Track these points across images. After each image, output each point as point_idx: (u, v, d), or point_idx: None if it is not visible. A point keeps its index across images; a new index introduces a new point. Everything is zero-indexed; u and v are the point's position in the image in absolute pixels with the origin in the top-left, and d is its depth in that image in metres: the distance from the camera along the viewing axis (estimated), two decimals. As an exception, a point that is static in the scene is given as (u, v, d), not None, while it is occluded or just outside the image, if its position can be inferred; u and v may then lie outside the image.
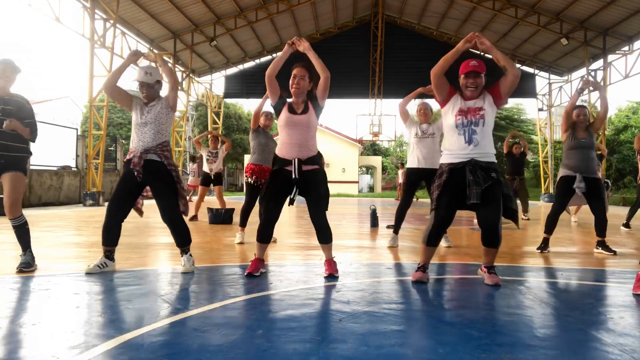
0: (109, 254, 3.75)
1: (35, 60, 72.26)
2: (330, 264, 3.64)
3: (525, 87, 21.79)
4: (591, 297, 3.20)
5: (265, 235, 3.63)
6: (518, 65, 22.03)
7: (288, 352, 2.02)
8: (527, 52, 20.77)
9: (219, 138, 9.01)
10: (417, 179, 5.27)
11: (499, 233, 3.37)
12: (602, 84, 17.90)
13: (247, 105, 38.30)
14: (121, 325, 2.36)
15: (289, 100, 3.66)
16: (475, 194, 3.24)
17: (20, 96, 3.76)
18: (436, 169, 5.20)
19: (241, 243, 5.46)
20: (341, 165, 32.24)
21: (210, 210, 8.16)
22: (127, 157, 3.73)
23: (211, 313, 2.61)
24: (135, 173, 3.60)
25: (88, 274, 3.57)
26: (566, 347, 2.17)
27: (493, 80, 3.52)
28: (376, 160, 37.85)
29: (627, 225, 7.80)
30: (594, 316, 2.68)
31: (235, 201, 13.72)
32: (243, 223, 5.64)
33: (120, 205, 3.70)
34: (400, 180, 24.52)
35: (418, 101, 5.54)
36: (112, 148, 18.82)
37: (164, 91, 3.87)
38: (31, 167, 12.09)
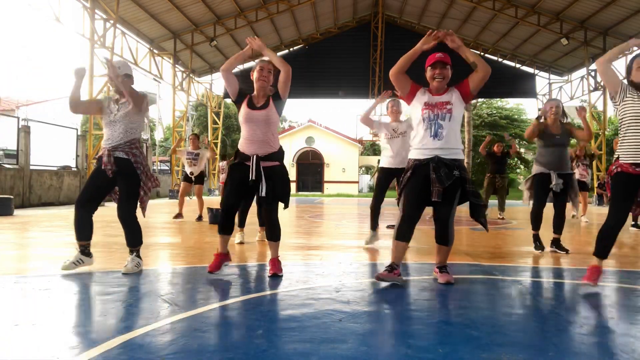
0: (85, 249, 3.72)
1: (35, 60, 72.23)
2: (275, 263, 3.62)
3: (525, 87, 21.81)
4: (591, 297, 3.20)
5: (225, 227, 3.61)
6: (518, 65, 22.06)
7: (288, 352, 2.02)
8: (527, 52, 20.78)
9: (199, 137, 8.98)
10: (389, 178, 5.29)
11: (450, 231, 3.42)
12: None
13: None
14: (121, 325, 2.35)
15: (250, 94, 3.64)
16: (437, 192, 3.27)
17: None
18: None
19: (241, 243, 5.46)
20: (341, 165, 32.28)
21: (210, 210, 8.16)
22: (100, 153, 3.72)
23: (211, 313, 2.61)
24: (109, 172, 3.59)
25: (64, 270, 3.55)
26: (566, 347, 2.17)
27: (459, 75, 3.54)
28: (376, 160, 37.84)
29: (636, 225, 7.75)
30: (594, 316, 2.68)
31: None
32: (241, 223, 5.64)
33: (89, 200, 3.67)
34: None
35: (389, 100, 5.58)
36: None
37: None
38: (31, 167, 12.09)
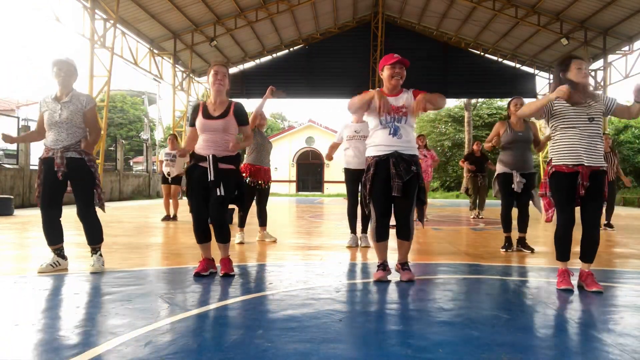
0: (59, 252, 3.74)
1: (35, 60, 72.25)
2: (226, 263, 3.61)
3: (525, 87, 21.79)
4: (591, 297, 3.20)
5: (201, 236, 3.61)
6: (518, 65, 22.06)
7: (288, 352, 2.02)
8: (527, 52, 20.78)
9: (178, 139, 8.99)
10: (356, 178, 5.25)
11: (411, 225, 3.47)
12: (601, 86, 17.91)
13: (247, 105, 38.30)
14: (121, 325, 2.35)
15: (202, 103, 3.64)
16: (397, 187, 3.34)
17: None
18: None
19: (241, 243, 5.46)
20: (341, 165, 32.18)
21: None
22: (43, 155, 3.65)
23: (211, 313, 2.61)
24: (59, 174, 3.56)
25: (41, 272, 3.56)
26: (566, 347, 2.17)
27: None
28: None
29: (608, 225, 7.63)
30: (594, 316, 2.68)
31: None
32: (241, 223, 5.64)
33: (51, 204, 3.66)
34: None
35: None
36: (112, 148, 18.83)
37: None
38: (31, 167, 12.09)
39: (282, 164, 32.86)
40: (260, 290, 3.20)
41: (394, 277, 3.60)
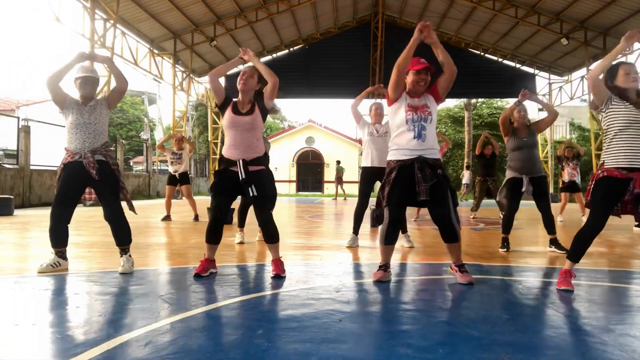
0: (61, 254, 3.77)
1: (35, 60, 72.22)
2: (277, 264, 3.62)
3: (525, 87, 21.76)
4: (591, 297, 3.20)
5: (213, 236, 3.62)
6: (518, 65, 22.06)
7: (288, 352, 2.02)
8: (527, 52, 20.78)
9: (183, 139, 9.01)
10: (372, 177, 5.29)
11: (455, 227, 3.44)
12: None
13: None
14: (121, 325, 2.35)
15: (234, 99, 3.66)
16: (424, 191, 3.31)
17: None
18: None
19: (241, 243, 5.46)
20: (341, 165, 32.22)
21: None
22: (68, 159, 3.67)
23: (211, 313, 2.61)
24: (94, 173, 3.59)
25: (41, 272, 3.58)
26: (566, 347, 2.17)
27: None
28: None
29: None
30: (594, 316, 2.68)
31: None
32: (241, 223, 5.64)
33: (66, 208, 3.70)
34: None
35: (371, 101, 5.66)
36: (112, 148, 18.81)
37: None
38: (31, 167, 12.09)
39: (282, 164, 32.86)
40: (260, 290, 3.20)
41: (395, 276, 3.59)
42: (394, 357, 1.99)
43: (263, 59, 22.34)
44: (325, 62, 21.69)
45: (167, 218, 8.55)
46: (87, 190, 3.77)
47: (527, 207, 10.98)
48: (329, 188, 32.83)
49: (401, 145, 3.46)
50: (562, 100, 21.44)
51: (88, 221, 8.27)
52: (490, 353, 2.03)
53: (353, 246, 5.30)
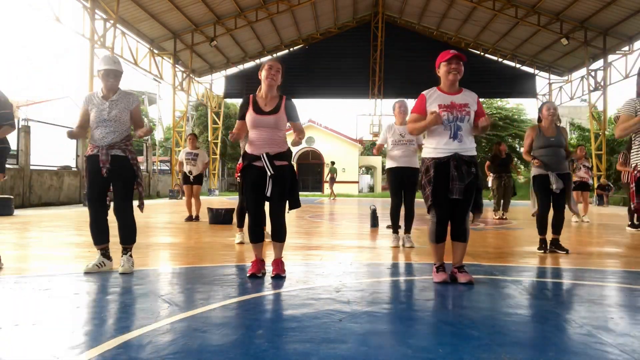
0: (105, 253, 3.75)
1: (35, 60, 72.22)
2: (278, 264, 3.60)
3: (525, 87, 21.80)
4: (591, 297, 3.20)
5: (256, 235, 3.61)
6: (518, 65, 22.07)
7: (288, 352, 2.02)
8: (527, 52, 20.78)
9: (198, 137, 8.88)
10: (402, 177, 5.28)
11: (467, 227, 3.45)
12: (603, 83, 17.90)
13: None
14: (121, 325, 2.35)
15: (252, 95, 3.58)
16: (457, 189, 3.29)
17: None
18: (414, 167, 5.23)
19: (241, 243, 5.46)
20: (341, 165, 32.23)
21: (210, 210, 8.16)
22: (89, 151, 3.67)
23: (211, 313, 2.61)
24: (104, 171, 3.58)
25: (87, 273, 3.58)
26: (566, 347, 2.16)
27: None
28: (376, 160, 37.83)
29: (633, 225, 7.75)
30: (594, 316, 2.68)
31: (235, 201, 13.68)
32: (240, 224, 5.63)
33: (98, 203, 3.69)
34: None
35: (395, 100, 5.63)
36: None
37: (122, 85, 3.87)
38: (31, 167, 12.09)
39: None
40: (260, 290, 3.20)
41: (395, 276, 3.59)
42: (394, 357, 1.99)
43: (263, 59, 22.36)
44: (325, 62, 21.68)
45: (190, 219, 8.42)
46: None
47: (527, 207, 11.00)
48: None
49: (436, 144, 3.42)
50: (562, 100, 21.43)
51: (88, 221, 8.27)
52: (490, 353, 2.03)
53: (397, 246, 5.30)
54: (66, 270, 3.77)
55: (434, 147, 3.44)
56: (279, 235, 3.62)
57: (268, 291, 3.16)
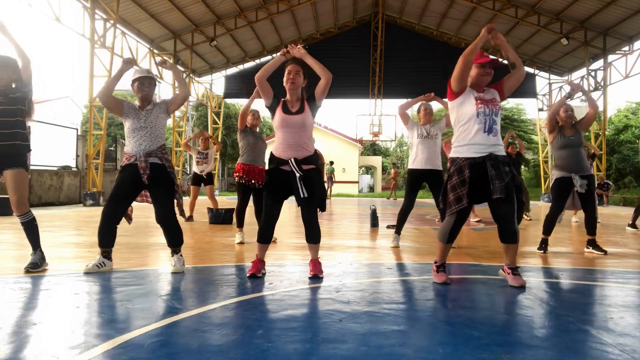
0: (107, 254, 3.78)
1: (35, 60, 72.16)
2: (316, 264, 3.63)
3: (525, 87, 21.78)
4: (591, 297, 3.20)
5: (265, 236, 3.63)
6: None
7: (288, 352, 2.02)
8: (527, 52, 20.76)
9: (210, 139, 8.96)
10: (419, 179, 5.26)
11: (516, 227, 3.36)
12: (589, 87, 17.91)
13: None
14: (121, 325, 2.35)
15: (283, 99, 3.62)
16: (500, 188, 3.20)
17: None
18: (437, 169, 5.20)
19: (241, 243, 5.46)
20: (341, 165, 32.24)
21: (210, 210, 8.16)
22: (125, 161, 3.74)
23: (211, 313, 2.61)
24: (145, 177, 3.63)
25: (87, 273, 3.58)
26: (566, 347, 2.17)
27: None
28: (376, 160, 37.83)
29: (633, 225, 7.77)
30: (594, 316, 2.68)
31: (236, 201, 13.68)
32: (240, 224, 5.63)
33: (117, 208, 3.73)
34: (393, 179, 24.74)
35: (420, 103, 5.55)
36: (112, 148, 18.83)
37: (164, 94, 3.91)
38: (31, 167, 12.09)
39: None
40: (260, 290, 3.20)
41: (391, 276, 3.59)
42: (394, 357, 1.99)
43: (263, 59, 22.37)
44: (325, 62, 21.28)
45: (190, 218, 8.45)
46: (142, 192, 3.82)
47: (531, 206, 11.01)
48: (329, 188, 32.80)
49: (470, 140, 3.34)
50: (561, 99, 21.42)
51: (88, 221, 8.27)
52: (490, 353, 2.03)
53: (397, 246, 5.31)
54: (66, 270, 3.78)
55: (468, 144, 3.35)
56: (314, 236, 3.66)
57: (268, 291, 3.16)
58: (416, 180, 5.28)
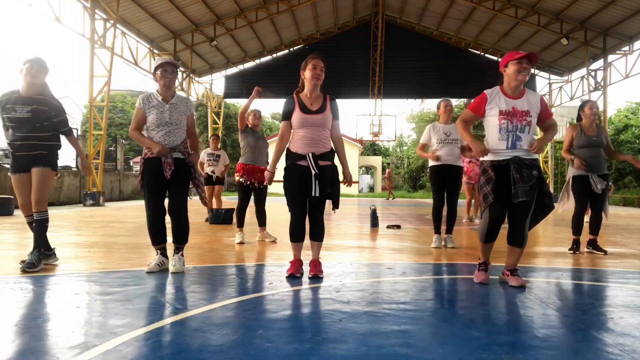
0: (163, 252, 3.82)
1: (35, 60, 72.02)
2: (316, 264, 3.62)
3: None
4: (591, 297, 3.20)
5: (297, 234, 3.59)
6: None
7: (288, 352, 2.02)
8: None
9: (219, 138, 8.93)
10: (443, 175, 5.21)
11: (526, 231, 3.33)
12: (602, 83, 17.91)
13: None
14: (121, 325, 2.35)
15: (296, 96, 3.55)
16: (523, 191, 3.17)
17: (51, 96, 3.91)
18: (457, 165, 5.17)
19: (241, 243, 5.46)
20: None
21: (210, 210, 8.16)
22: (147, 154, 3.69)
23: (211, 313, 2.61)
24: (168, 173, 3.62)
25: (149, 273, 3.64)
26: (566, 347, 2.17)
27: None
28: (376, 160, 37.81)
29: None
30: (594, 316, 2.68)
31: (235, 201, 13.68)
32: (240, 224, 5.63)
33: (158, 204, 3.75)
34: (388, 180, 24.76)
35: (441, 100, 5.50)
36: (112, 148, 18.82)
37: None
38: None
39: (282, 163, 32.69)
40: (260, 290, 3.20)
41: (391, 276, 3.58)
42: (394, 357, 1.99)
43: (263, 59, 22.39)
44: (326, 62, 21.65)
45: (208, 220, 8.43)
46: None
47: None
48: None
49: (494, 148, 3.33)
50: (562, 100, 21.42)
51: (88, 221, 8.27)
52: (490, 353, 2.03)
53: (439, 247, 5.26)
54: (66, 270, 3.77)
55: (491, 150, 3.34)
56: (318, 234, 3.62)
57: (268, 291, 3.16)
58: (440, 177, 5.22)
